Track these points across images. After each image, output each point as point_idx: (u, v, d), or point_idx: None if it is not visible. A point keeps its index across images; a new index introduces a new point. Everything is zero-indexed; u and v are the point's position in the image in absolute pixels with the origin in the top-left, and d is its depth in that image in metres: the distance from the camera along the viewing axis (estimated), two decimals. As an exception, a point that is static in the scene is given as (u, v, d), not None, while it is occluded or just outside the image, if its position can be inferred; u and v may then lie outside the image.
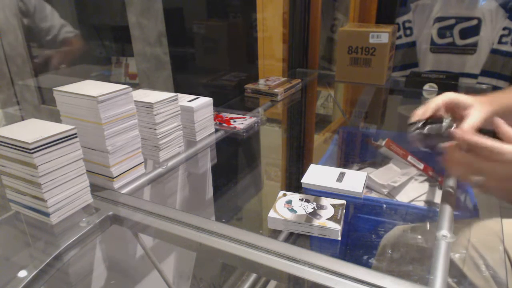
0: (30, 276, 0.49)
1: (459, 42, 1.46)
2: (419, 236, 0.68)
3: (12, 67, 1.97)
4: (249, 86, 1.26)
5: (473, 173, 0.56)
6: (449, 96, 0.66)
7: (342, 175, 0.74)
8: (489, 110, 0.64)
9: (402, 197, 0.94)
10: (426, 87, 1.24)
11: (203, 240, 0.54)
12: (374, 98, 1.37)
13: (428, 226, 0.71)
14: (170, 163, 0.78)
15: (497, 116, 0.60)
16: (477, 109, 0.63)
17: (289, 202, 0.64)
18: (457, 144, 0.58)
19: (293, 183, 0.90)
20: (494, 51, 1.41)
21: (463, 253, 0.60)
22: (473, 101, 0.65)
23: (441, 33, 1.48)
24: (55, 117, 0.67)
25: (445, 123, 0.63)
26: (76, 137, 0.58)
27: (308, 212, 0.61)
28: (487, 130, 0.60)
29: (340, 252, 0.59)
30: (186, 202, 0.87)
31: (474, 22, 1.42)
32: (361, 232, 0.76)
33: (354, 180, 0.72)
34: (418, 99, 1.27)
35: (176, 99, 0.78)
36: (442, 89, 1.23)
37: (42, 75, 1.97)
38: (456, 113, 0.66)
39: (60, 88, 0.65)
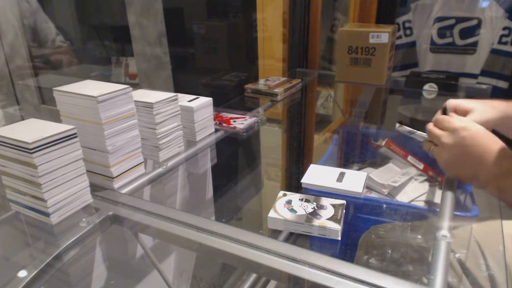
0: (30, 276, 0.49)
1: (459, 42, 1.46)
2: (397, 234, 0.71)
3: (12, 67, 1.97)
4: (249, 86, 1.26)
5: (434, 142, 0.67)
6: (451, 103, 0.71)
7: (342, 175, 0.74)
8: (493, 113, 0.68)
9: (402, 197, 0.94)
10: (426, 87, 1.24)
11: (203, 240, 0.54)
12: (374, 98, 1.37)
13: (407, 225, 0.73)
14: (170, 163, 0.78)
15: (497, 121, 0.64)
16: (478, 112, 0.68)
17: (289, 202, 0.64)
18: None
19: (293, 183, 0.90)
20: (494, 51, 1.41)
21: (463, 253, 0.60)
22: (474, 105, 0.69)
23: (441, 33, 1.48)
24: (55, 117, 0.67)
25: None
26: (76, 137, 0.58)
27: (308, 212, 0.61)
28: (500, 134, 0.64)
29: (340, 252, 0.59)
30: (186, 202, 0.87)
31: (474, 22, 1.42)
32: (361, 232, 0.76)
33: (354, 180, 0.72)
34: (418, 99, 1.27)
35: (176, 99, 0.78)
36: (442, 89, 1.22)
37: (42, 75, 1.97)
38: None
39: (60, 88, 0.65)
